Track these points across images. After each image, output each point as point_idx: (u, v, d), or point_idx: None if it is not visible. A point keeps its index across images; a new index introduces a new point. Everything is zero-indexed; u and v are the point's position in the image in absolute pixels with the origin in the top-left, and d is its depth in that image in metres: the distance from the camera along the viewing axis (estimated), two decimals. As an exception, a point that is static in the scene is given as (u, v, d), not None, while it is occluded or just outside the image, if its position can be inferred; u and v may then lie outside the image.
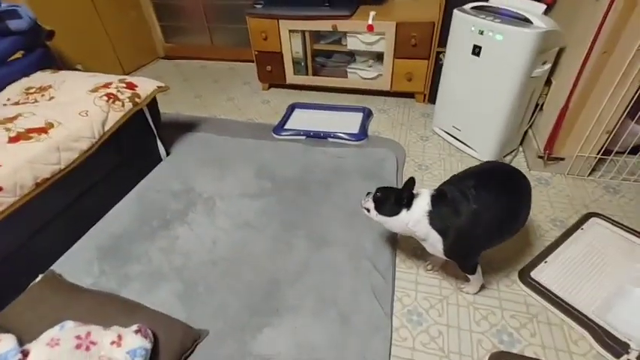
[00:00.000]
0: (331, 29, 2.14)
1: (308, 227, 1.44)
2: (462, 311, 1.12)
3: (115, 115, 1.49)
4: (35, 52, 1.77)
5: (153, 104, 1.73)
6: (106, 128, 1.45)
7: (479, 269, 1.08)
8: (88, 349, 0.87)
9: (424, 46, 2.04)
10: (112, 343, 0.91)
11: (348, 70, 2.33)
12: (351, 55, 2.37)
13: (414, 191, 1.02)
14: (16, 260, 1.22)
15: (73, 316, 1.02)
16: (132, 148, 1.66)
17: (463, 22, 1.59)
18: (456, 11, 1.63)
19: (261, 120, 2.25)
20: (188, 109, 2.42)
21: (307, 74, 2.40)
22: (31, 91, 1.57)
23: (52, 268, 1.29)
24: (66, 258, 1.35)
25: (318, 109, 2.27)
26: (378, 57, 2.28)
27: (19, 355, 0.82)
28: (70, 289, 1.19)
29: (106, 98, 1.48)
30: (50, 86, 1.57)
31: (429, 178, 1.68)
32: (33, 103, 1.48)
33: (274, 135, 2.04)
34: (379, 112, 2.24)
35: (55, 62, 1.87)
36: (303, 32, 2.24)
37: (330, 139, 1.97)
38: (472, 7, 1.63)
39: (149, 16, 3.05)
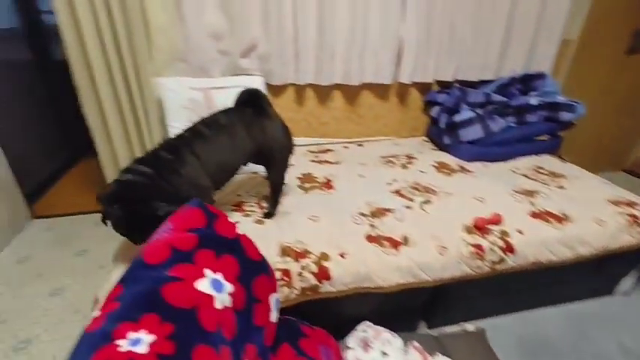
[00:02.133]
0: None
1: None
2: None
3: (628, 240, 1.33)
4: (555, 138, 1.93)
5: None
6: (612, 247, 1.32)
7: None
8: None
9: None
10: None
11: None
12: None
13: None
14: (460, 296, 1.39)
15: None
16: (601, 268, 1.47)
17: None
18: None
19: None
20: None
21: None
22: (542, 171, 1.71)
23: (482, 326, 1.38)
24: (490, 324, 1.40)
25: None
26: None
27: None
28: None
29: (628, 218, 1.35)
30: (563, 176, 1.65)
31: None
32: (542, 183, 1.60)
33: None
34: None
35: (559, 151, 1.98)
36: None
37: None
38: None
39: (646, 128, 2.70)
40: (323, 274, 1.08)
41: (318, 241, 1.17)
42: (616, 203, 1.42)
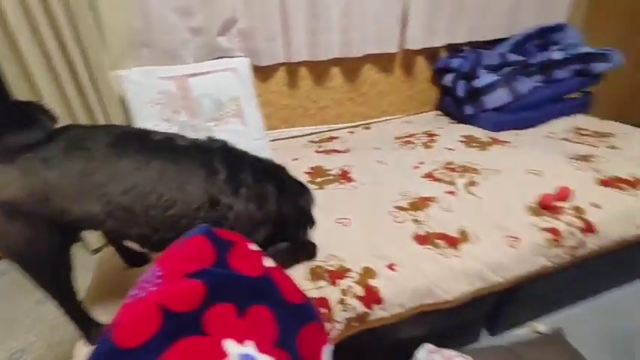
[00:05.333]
0: None
1: None
2: None
3: None
4: (586, 95, 1.72)
5: None
6: (697, 209, 1.10)
7: None
8: None
9: None
10: None
11: None
12: None
13: None
14: (521, 291, 1.15)
15: None
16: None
17: None
18: None
19: None
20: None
21: None
22: (584, 133, 1.49)
23: (557, 325, 1.14)
24: (564, 319, 1.17)
25: None
26: None
27: None
28: None
29: None
30: (611, 134, 1.43)
31: None
32: (591, 146, 1.37)
33: None
34: None
35: (590, 109, 1.76)
36: None
37: None
38: None
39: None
40: (372, 297, 0.80)
41: (357, 251, 0.89)
42: (688, 158, 1.21)
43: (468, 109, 1.64)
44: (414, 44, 1.66)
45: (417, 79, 1.86)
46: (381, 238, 0.94)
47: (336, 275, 0.83)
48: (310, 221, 0.87)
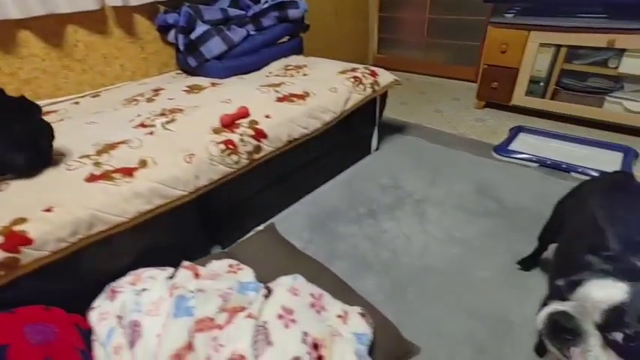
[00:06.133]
0: (605, 45, 1.72)
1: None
2: None
3: (357, 97, 1.52)
4: (295, 39, 2.03)
5: (383, 96, 1.72)
6: (347, 107, 1.48)
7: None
8: (318, 312, 0.81)
9: None
10: (339, 316, 0.82)
11: (609, 99, 1.84)
12: (617, 81, 1.87)
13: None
14: (246, 206, 1.34)
15: (291, 270, 1.00)
16: (352, 133, 1.67)
17: None
18: None
19: (475, 137, 2.00)
20: (393, 113, 2.38)
21: (544, 97, 2.02)
22: (289, 68, 1.77)
23: (272, 221, 1.37)
24: (281, 217, 1.42)
25: (553, 138, 1.86)
26: (664, 87, 1.71)
27: (264, 291, 0.81)
28: (287, 245, 1.21)
29: (352, 80, 1.53)
30: (305, 66, 1.75)
31: None
32: (289, 77, 1.66)
33: (496, 155, 1.76)
34: (649, 158, 1.67)
35: (303, 50, 2.11)
36: (557, 47, 1.89)
37: (574, 174, 1.55)
38: None
39: (372, 27, 3.25)
40: (16, 241, 0.77)
41: (6, 212, 0.83)
42: (344, 72, 1.60)
43: (192, 61, 1.72)
44: (113, 1, 1.59)
45: (146, 39, 1.82)
46: (46, 190, 0.90)
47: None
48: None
